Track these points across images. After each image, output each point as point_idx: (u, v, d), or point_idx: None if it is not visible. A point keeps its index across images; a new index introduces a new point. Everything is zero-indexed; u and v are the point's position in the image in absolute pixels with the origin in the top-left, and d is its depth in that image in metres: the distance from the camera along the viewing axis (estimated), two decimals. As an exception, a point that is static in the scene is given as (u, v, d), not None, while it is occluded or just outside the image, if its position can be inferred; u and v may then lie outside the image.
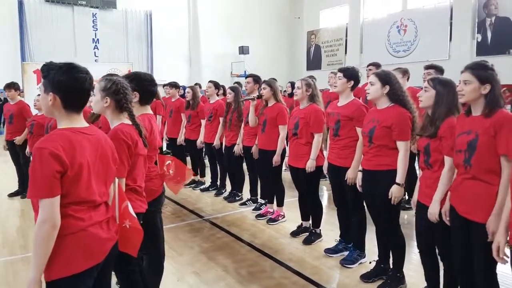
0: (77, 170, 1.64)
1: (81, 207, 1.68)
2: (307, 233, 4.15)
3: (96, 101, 2.24)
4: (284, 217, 4.73)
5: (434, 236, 2.58)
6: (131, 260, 2.27)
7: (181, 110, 6.30)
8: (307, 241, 4.04)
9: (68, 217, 1.63)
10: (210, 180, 6.18)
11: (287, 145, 4.42)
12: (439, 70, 4.60)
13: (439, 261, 2.68)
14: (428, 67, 4.67)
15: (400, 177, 2.86)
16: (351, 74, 3.41)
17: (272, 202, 4.87)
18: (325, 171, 3.80)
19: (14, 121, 5.86)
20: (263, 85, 4.59)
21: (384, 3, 15.33)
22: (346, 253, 3.64)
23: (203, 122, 5.91)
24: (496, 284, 2.24)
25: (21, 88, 6.80)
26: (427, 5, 13.71)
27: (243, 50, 17.38)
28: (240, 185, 5.61)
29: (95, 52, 14.76)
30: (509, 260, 1.96)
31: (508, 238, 1.93)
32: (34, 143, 1.68)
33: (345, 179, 3.38)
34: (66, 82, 1.70)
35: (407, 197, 4.83)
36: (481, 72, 2.20)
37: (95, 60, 14.64)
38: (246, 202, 5.37)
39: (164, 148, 7.84)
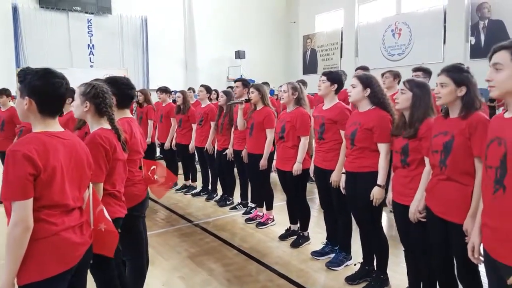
0: (51, 173, 1.64)
1: (54, 211, 1.68)
2: (295, 236, 4.16)
3: (76, 106, 2.26)
4: (273, 220, 4.73)
5: (410, 235, 2.60)
6: (110, 265, 2.27)
7: (171, 115, 6.31)
8: (295, 244, 4.04)
9: (41, 221, 1.63)
10: (202, 185, 6.17)
11: (275, 149, 4.43)
12: (427, 72, 4.63)
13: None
14: (416, 70, 4.68)
15: (381, 178, 2.87)
16: (334, 78, 3.44)
17: (262, 206, 4.86)
18: (311, 174, 3.82)
19: (5, 128, 5.84)
20: (251, 89, 4.59)
21: (378, 7, 15.39)
22: (332, 255, 3.64)
23: (194, 126, 5.92)
24: (480, 283, 2.25)
25: (14, 94, 6.80)
26: (421, 9, 13.75)
27: (239, 55, 17.37)
28: (231, 189, 5.61)
29: (90, 58, 14.74)
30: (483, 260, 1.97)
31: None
32: None
33: (330, 181, 3.40)
34: (42, 87, 1.71)
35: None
36: (457, 75, 2.24)
37: (91, 66, 14.62)
38: (237, 206, 5.36)
39: (158, 154, 7.85)
